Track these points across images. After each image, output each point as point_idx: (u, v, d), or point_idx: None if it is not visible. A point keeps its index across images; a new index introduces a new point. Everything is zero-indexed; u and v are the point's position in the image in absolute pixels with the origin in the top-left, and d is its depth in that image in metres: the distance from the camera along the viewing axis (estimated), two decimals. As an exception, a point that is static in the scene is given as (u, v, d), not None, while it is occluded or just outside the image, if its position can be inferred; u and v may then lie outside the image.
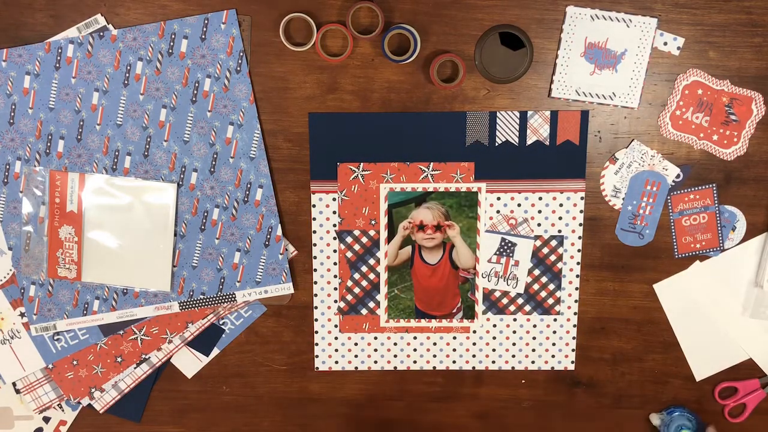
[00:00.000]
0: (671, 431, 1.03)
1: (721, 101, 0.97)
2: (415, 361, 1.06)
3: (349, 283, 1.03)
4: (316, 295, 1.04)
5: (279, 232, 1.01)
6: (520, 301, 1.04)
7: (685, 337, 1.04)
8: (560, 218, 1.01)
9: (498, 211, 1.01)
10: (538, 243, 1.02)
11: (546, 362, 1.06)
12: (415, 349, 1.06)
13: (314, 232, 1.02)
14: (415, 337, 1.05)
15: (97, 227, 1.01)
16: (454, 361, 1.06)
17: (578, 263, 1.02)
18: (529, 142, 0.99)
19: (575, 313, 1.04)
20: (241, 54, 0.96)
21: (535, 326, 1.04)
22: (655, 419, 1.06)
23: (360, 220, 1.01)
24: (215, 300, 1.03)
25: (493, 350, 1.06)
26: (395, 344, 1.06)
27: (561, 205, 1.01)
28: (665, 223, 1.01)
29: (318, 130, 0.99)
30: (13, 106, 0.98)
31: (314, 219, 1.01)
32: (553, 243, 1.02)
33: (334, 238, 1.02)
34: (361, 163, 1.00)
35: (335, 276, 1.03)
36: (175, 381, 1.06)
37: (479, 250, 1.02)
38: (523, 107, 0.98)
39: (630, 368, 1.06)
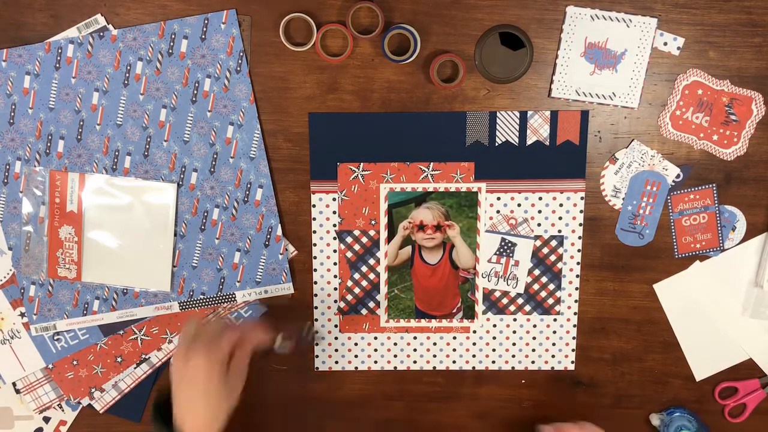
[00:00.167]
0: (671, 431, 1.03)
1: (721, 101, 0.97)
2: (415, 361, 1.06)
3: (349, 283, 1.03)
4: (316, 295, 1.04)
5: (279, 232, 1.01)
6: (520, 301, 1.04)
7: (685, 337, 1.04)
8: (560, 218, 1.01)
9: (498, 211, 1.01)
10: (538, 243, 1.02)
11: (546, 362, 1.06)
12: (415, 349, 1.06)
13: (314, 232, 1.02)
14: (415, 337, 1.05)
15: (97, 227, 1.01)
16: (454, 361, 1.06)
17: (578, 263, 1.02)
18: (529, 142, 0.99)
19: (575, 313, 1.04)
20: (241, 54, 0.96)
21: (535, 326, 1.04)
22: (655, 419, 1.06)
23: (360, 220, 1.01)
24: (215, 300, 1.03)
25: (493, 350, 1.06)
26: (395, 344, 1.06)
27: (561, 205, 1.01)
28: (665, 223, 1.01)
29: (318, 130, 0.99)
30: (13, 106, 0.98)
31: (314, 219, 1.01)
32: (553, 243, 1.02)
33: (334, 238, 1.02)
34: (361, 163, 1.00)
35: (335, 276, 1.03)
36: (175, 381, 1.06)
37: (479, 250, 1.02)
38: (523, 107, 0.98)
39: (630, 368, 1.06)
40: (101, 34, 0.96)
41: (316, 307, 1.04)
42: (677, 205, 1.00)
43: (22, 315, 1.03)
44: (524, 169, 0.99)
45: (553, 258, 1.02)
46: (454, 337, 1.05)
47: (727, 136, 0.98)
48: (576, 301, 1.04)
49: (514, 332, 1.05)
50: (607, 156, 0.99)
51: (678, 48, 0.96)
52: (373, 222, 1.01)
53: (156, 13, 0.96)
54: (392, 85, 0.97)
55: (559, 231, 1.01)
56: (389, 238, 1.02)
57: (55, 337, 1.04)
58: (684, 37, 0.96)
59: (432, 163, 0.99)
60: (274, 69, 0.97)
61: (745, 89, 0.97)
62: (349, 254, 1.03)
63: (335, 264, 1.03)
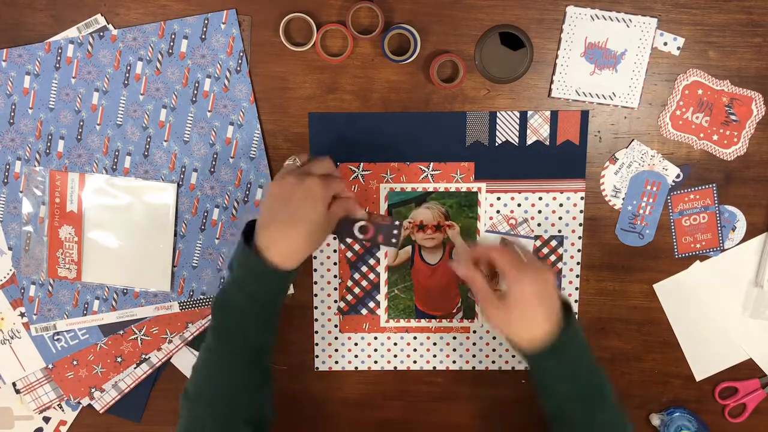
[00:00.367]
0: (671, 431, 1.03)
1: (721, 101, 0.97)
2: (415, 361, 1.06)
3: (349, 283, 1.03)
4: (316, 295, 1.04)
5: (279, 232, 1.01)
6: (520, 301, 1.03)
7: (685, 337, 1.04)
8: (560, 218, 1.01)
9: (498, 211, 1.01)
10: (538, 243, 1.02)
11: (546, 362, 1.06)
12: (415, 349, 1.06)
13: (314, 232, 1.02)
14: (415, 337, 1.05)
15: (97, 227, 1.01)
16: (454, 361, 1.06)
17: (578, 263, 1.02)
18: (529, 142, 0.99)
19: (575, 313, 1.04)
20: (241, 54, 0.96)
21: (535, 326, 1.04)
22: (655, 419, 1.06)
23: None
24: (215, 300, 1.03)
25: (493, 350, 1.06)
26: (395, 344, 1.06)
27: (561, 205, 1.01)
28: (665, 223, 1.01)
29: (318, 130, 0.99)
30: (13, 106, 0.98)
31: (314, 219, 1.01)
32: (553, 243, 1.02)
33: (334, 238, 1.02)
34: (361, 163, 1.00)
35: (335, 276, 1.03)
36: (175, 381, 1.06)
37: (479, 250, 1.02)
38: (523, 107, 0.98)
39: (630, 368, 1.06)
40: (101, 34, 0.96)
41: (316, 307, 1.04)
42: (677, 205, 1.00)
43: (22, 315, 1.03)
44: (524, 169, 0.99)
45: (553, 258, 1.02)
46: (454, 337, 1.05)
47: (727, 136, 0.98)
48: (576, 301, 1.04)
49: (514, 332, 1.05)
50: (607, 156, 0.99)
51: (678, 48, 0.96)
52: (373, 222, 1.01)
53: (156, 13, 0.96)
54: (392, 85, 0.97)
55: (559, 231, 1.01)
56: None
57: (55, 337, 1.04)
58: (684, 37, 0.96)
59: (432, 163, 0.99)
60: (274, 69, 0.97)
61: (745, 89, 0.97)
62: (349, 254, 1.03)
63: (335, 264, 1.03)
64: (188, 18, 0.96)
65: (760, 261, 1.02)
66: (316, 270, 1.03)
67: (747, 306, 1.03)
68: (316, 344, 1.06)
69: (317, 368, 1.06)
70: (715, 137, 0.98)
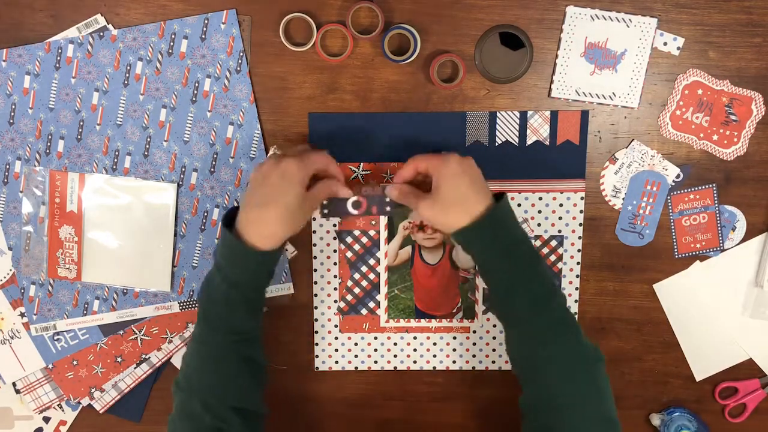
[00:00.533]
0: (671, 431, 1.03)
1: (721, 101, 0.97)
2: (415, 361, 1.06)
3: (349, 283, 1.03)
4: (316, 295, 1.04)
5: (279, 232, 1.01)
6: (520, 301, 1.04)
7: (685, 337, 1.04)
8: (560, 218, 1.01)
9: (498, 211, 1.01)
10: (538, 243, 1.02)
11: (546, 362, 1.06)
12: (415, 349, 1.06)
13: (314, 232, 1.02)
14: (415, 337, 1.05)
15: (97, 227, 1.01)
16: (454, 361, 1.06)
17: (578, 263, 1.02)
18: (529, 142, 0.99)
19: (575, 313, 1.04)
20: (241, 54, 0.96)
21: (535, 326, 1.04)
22: (655, 419, 1.06)
23: (360, 220, 1.01)
24: (215, 300, 1.02)
25: (493, 350, 1.06)
26: (395, 344, 1.06)
27: (561, 205, 1.01)
28: (665, 223, 1.01)
29: (318, 130, 0.99)
30: (13, 106, 0.98)
31: (314, 219, 1.01)
32: (553, 243, 1.02)
33: (334, 238, 1.02)
34: (361, 163, 1.00)
35: (335, 276, 1.03)
36: (175, 381, 1.06)
37: (479, 250, 1.02)
38: (523, 107, 0.98)
39: (630, 368, 1.06)
40: (101, 34, 0.96)
41: (316, 307, 1.04)
42: (677, 205, 1.00)
43: (22, 315, 1.03)
44: (524, 169, 0.99)
45: (553, 258, 1.02)
46: (454, 337, 1.05)
47: (727, 136, 0.98)
48: (576, 301, 1.03)
49: (514, 332, 1.05)
50: (607, 156, 0.99)
51: (678, 48, 0.96)
52: (373, 222, 1.01)
53: (156, 13, 0.96)
54: (392, 85, 0.97)
55: (559, 231, 1.01)
56: (389, 238, 1.02)
57: (55, 337, 1.04)
58: (684, 37, 0.96)
59: (432, 163, 0.99)
60: (274, 69, 0.97)
61: (745, 89, 0.97)
62: (349, 254, 1.03)
63: (335, 264, 1.03)
64: (188, 18, 0.96)
65: (760, 261, 1.02)
66: (316, 270, 1.03)
67: (747, 306, 1.03)
68: (316, 344, 1.06)
69: (317, 368, 1.06)
70: (715, 137, 0.98)
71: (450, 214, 0.84)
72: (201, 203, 1.00)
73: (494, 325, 1.05)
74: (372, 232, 1.02)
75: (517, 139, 0.99)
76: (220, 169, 0.99)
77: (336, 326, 1.05)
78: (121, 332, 1.04)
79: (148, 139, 0.99)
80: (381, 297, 1.04)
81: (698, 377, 1.05)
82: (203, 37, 0.96)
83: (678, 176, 1.00)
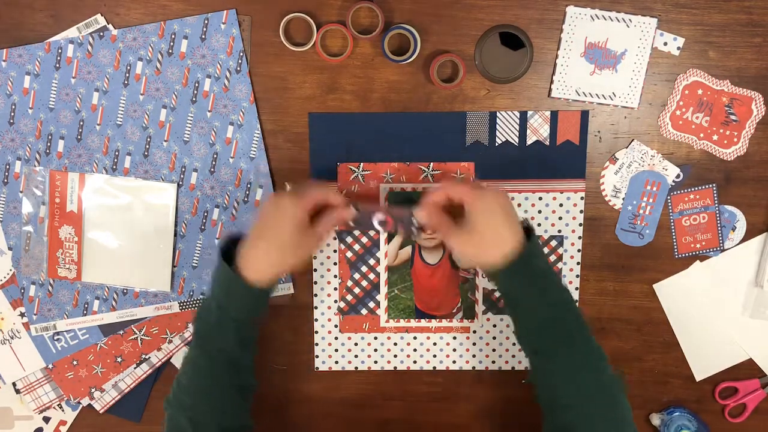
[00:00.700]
0: (671, 431, 1.03)
1: (721, 101, 0.97)
2: (415, 361, 1.06)
3: (349, 283, 1.03)
4: (316, 295, 1.04)
5: (279, 232, 1.01)
6: (520, 301, 1.03)
7: (685, 337, 1.04)
8: (560, 218, 1.01)
9: (498, 211, 1.01)
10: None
11: (546, 362, 1.06)
12: (415, 349, 1.06)
13: (314, 232, 1.02)
14: (415, 337, 1.05)
15: (97, 227, 1.01)
16: (454, 361, 1.06)
17: (578, 263, 1.02)
18: (529, 142, 0.99)
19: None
20: (241, 54, 0.96)
21: (535, 326, 1.04)
22: (655, 419, 1.06)
23: (360, 220, 1.01)
24: (215, 300, 1.02)
25: (493, 350, 1.06)
26: (395, 344, 1.06)
27: (561, 205, 1.01)
28: (665, 223, 1.01)
29: (318, 130, 0.99)
30: (13, 106, 0.98)
31: (314, 219, 1.01)
32: (553, 243, 1.02)
33: (334, 238, 1.02)
34: (361, 163, 1.00)
35: (335, 276, 1.03)
36: (175, 381, 1.06)
37: (479, 250, 1.02)
38: (523, 107, 0.98)
39: (630, 368, 1.06)
40: (101, 34, 0.96)
41: (316, 307, 1.04)
42: (677, 205, 1.00)
43: (22, 315, 1.03)
44: (524, 169, 0.99)
45: (553, 258, 1.02)
46: (454, 337, 1.05)
47: (727, 136, 0.98)
48: (576, 301, 1.03)
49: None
50: (607, 156, 0.99)
51: (678, 48, 0.96)
52: (373, 222, 1.01)
53: (156, 13, 0.96)
54: (392, 85, 0.97)
55: (559, 231, 1.01)
56: (389, 238, 1.02)
57: (55, 337, 1.04)
58: (684, 37, 0.96)
59: (432, 163, 0.99)
60: (274, 69, 0.97)
61: (745, 89, 0.97)
62: (349, 254, 1.03)
63: (335, 264, 1.03)
64: (188, 18, 0.96)
65: (760, 261, 1.01)
66: (316, 270, 1.03)
67: (747, 306, 1.03)
68: (316, 344, 1.06)
69: (317, 368, 1.06)
70: (715, 137, 0.98)
71: (484, 251, 0.84)
72: (201, 203, 1.00)
73: (494, 325, 1.05)
74: (372, 232, 1.02)
75: (517, 139, 0.99)
76: (220, 169, 0.99)
77: (336, 326, 1.05)
78: (121, 332, 1.04)
79: (148, 139, 0.99)
80: (381, 297, 1.04)
81: (698, 377, 1.05)
82: (203, 37, 0.96)
83: (678, 176, 1.00)
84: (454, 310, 1.04)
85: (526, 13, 0.95)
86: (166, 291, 1.02)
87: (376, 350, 1.06)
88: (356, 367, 1.06)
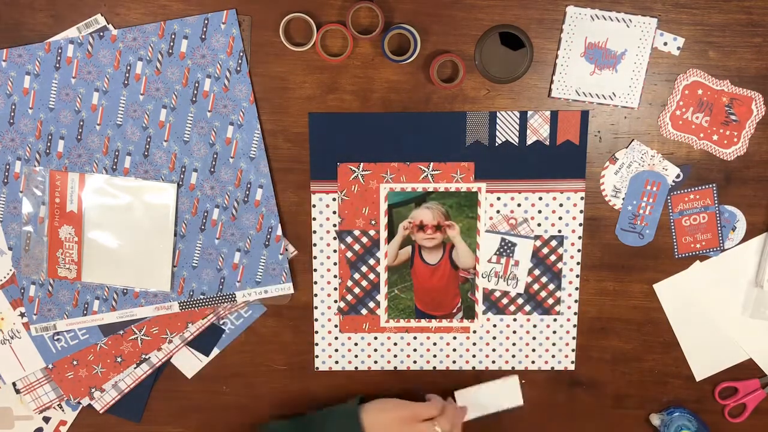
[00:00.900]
0: (671, 431, 1.03)
1: (721, 101, 0.97)
2: (415, 361, 1.06)
3: (349, 283, 1.03)
4: (316, 295, 1.04)
5: (279, 232, 1.01)
6: (520, 301, 1.04)
7: (685, 337, 1.04)
8: (560, 218, 1.01)
9: (498, 211, 1.01)
10: (538, 243, 1.02)
11: (546, 362, 1.06)
12: (415, 349, 1.06)
13: (314, 232, 1.02)
14: (415, 337, 1.05)
15: (97, 227, 1.01)
16: (454, 361, 1.06)
17: (578, 263, 1.02)
18: (529, 142, 0.99)
19: (575, 313, 1.04)
20: (241, 54, 0.96)
21: (535, 326, 1.04)
22: (655, 419, 1.06)
23: (360, 220, 1.01)
24: (215, 300, 1.03)
25: (493, 350, 1.06)
26: (395, 344, 1.06)
27: (561, 205, 1.01)
28: (665, 223, 1.01)
29: (318, 130, 0.99)
30: (13, 106, 0.98)
31: (314, 219, 1.01)
32: (553, 243, 1.02)
33: (334, 238, 1.02)
34: (361, 163, 1.00)
35: (335, 276, 1.03)
36: (175, 381, 1.06)
37: (479, 250, 1.02)
38: (523, 107, 0.98)
39: (630, 368, 1.06)
40: (101, 34, 0.96)
41: (316, 307, 1.04)
42: (677, 205, 1.00)
43: (22, 315, 1.03)
44: (524, 169, 0.99)
45: (553, 258, 1.02)
46: (454, 337, 1.05)
47: (727, 136, 0.98)
48: (576, 301, 1.04)
49: (514, 332, 1.05)
50: (607, 156, 0.99)
51: (678, 48, 0.96)
52: (373, 222, 1.01)
53: (156, 13, 0.96)
54: (392, 85, 0.97)
55: (559, 231, 1.01)
56: (389, 238, 1.02)
57: (55, 337, 1.04)
58: (684, 37, 0.96)
59: (432, 163, 0.99)
60: (274, 69, 0.97)
61: (745, 89, 0.97)
62: (349, 254, 1.03)
63: (335, 264, 1.03)
64: (188, 18, 0.96)
65: (760, 261, 1.02)
66: (316, 270, 1.03)
67: (747, 306, 1.03)
68: (316, 344, 1.06)
69: (317, 368, 1.06)
70: (715, 137, 0.98)
71: None
72: (201, 203, 1.00)
73: (494, 325, 1.05)
74: (372, 232, 1.02)
75: (517, 139, 0.99)
76: (220, 169, 0.99)
77: (336, 326, 1.05)
78: (121, 332, 1.04)
79: (148, 139, 0.99)
80: (381, 297, 1.04)
81: (698, 377, 1.05)
82: (203, 37, 0.96)
83: (678, 176, 1.00)
84: (454, 310, 1.04)
85: (526, 13, 0.95)
86: (166, 291, 1.02)
87: (376, 350, 1.06)
88: (356, 367, 1.06)
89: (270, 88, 0.98)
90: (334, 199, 1.01)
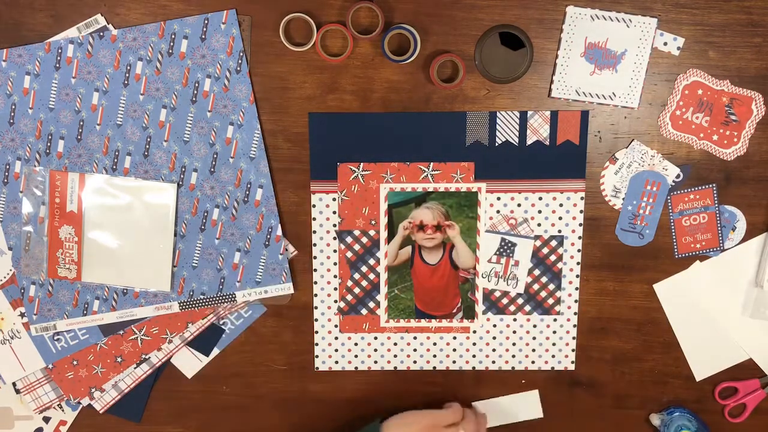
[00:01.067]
0: (671, 431, 1.03)
1: (721, 101, 0.97)
2: (415, 361, 1.06)
3: (349, 283, 1.03)
4: (316, 295, 1.04)
5: (279, 232, 1.01)
6: (520, 301, 1.04)
7: (685, 337, 1.04)
8: (560, 218, 1.01)
9: (498, 211, 1.01)
10: (538, 243, 1.02)
11: (546, 362, 1.06)
12: (415, 349, 1.06)
13: (314, 232, 1.02)
14: (415, 337, 1.05)
15: (97, 227, 1.01)
16: (454, 361, 1.06)
17: (578, 263, 1.02)
18: (529, 142, 0.99)
19: (575, 313, 1.04)
20: (241, 54, 0.96)
21: (535, 326, 1.04)
22: (655, 419, 1.06)
23: (360, 220, 1.01)
24: (215, 300, 1.03)
25: (493, 350, 1.06)
26: (395, 344, 1.06)
27: (561, 205, 1.01)
28: (665, 223, 1.01)
29: (318, 130, 0.99)
30: (13, 106, 0.98)
31: (314, 219, 1.01)
32: (553, 243, 1.02)
33: (334, 238, 1.02)
34: (361, 163, 1.00)
35: (335, 276, 1.03)
36: (175, 381, 1.06)
37: (479, 250, 1.02)
38: (523, 107, 0.98)
39: (630, 368, 1.06)
40: (101, 34, 0.96)
41: (316, 307, 1.04)
42: (677, 205, 1.00)
43: (22, 315, 1.03)
44: (524, 169, 1.00)
45: (553, 258, 1.02)
46: (454, 337, 1.05)
47: (727, 136, 0.98)
48: (576, 301, 1.04)
49: (514, 332, 1.05)
50: (607, 156, 0.99)
51: (678, 48, 0.96)
52: (373, 222, 1.01)
53: (156, 13, 0.96)
54: (392, 85, 0.97)
55: (559, 231, 1.01)
56: (389, 238, 1.02)
57: (55, 337, 1.04)
58: (684, 37, 0.96)
59: (432, 163, 0.99)
60: (274, 69, 0.97)
61: (745, 89, 0.97)
62: (349, 254, 1.03)
63: (335, 264, 1.03)
64: (188, 18, 0.96)
65: (760, 261, 1.02)
66: (316, 270, 1.03)
67: (747, 306, 1.03)
68: (316, 344, 1.06)
69: (317, 368, 1.06)
70: (715, 137, 0.98)
71: None
72: (201, 203, 1.00)
73: (494, 325, 1.05)
74: (372, 232, 1.02)
75: (517, 139, 0.99)
76: (220, 169, 0.99)
77: (336, 326, 1.05)
78: (121, 332, 1.04)
79: (148, 139, 0.99)
80: (381, 297, 1.04)
81: (698, 377, 1.05)
82: (203, 37, 0.96)
83: (678, 176, 1.00)
84: (454, 310, 1.04)
85: (526, 13, 0.95)
86: (166, 291, 1.02)
87: (376, 350, 1.06)
88: (356, 367, 1.06)
89: (270, 88, 0.98)
90: (334, 199, 1.01)
